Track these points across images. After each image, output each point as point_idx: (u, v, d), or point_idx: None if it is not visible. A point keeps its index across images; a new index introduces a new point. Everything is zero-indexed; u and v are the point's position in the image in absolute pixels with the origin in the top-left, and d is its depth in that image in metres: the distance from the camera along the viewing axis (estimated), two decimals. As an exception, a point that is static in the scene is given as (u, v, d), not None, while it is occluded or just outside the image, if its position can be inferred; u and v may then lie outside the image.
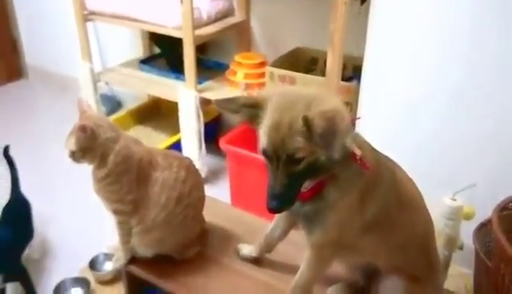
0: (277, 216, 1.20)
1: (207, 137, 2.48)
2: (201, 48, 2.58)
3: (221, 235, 1.38)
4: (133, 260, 1.26)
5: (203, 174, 2.50)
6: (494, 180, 1.61)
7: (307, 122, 0.83)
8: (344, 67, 2.13)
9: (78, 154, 1.13)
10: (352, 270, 1.17)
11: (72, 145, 1.12)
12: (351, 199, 0.96)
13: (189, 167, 1.25)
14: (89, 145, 1.12)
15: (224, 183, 2.44)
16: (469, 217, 1.57)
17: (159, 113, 3.07)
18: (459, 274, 1.76)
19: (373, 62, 1.75)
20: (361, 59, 1.78)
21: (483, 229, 1.59)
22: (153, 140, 2.74)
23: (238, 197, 2.30)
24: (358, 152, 0.91)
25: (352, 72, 2.23)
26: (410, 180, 1.04)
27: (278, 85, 2.12)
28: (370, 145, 1.01)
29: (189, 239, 1.27)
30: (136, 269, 1.26)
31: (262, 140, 0.89)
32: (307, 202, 0.97)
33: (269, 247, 1.25)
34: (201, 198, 1.28)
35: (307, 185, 0.94)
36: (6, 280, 1.58)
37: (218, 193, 2.39)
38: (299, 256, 1.08)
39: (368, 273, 1.10)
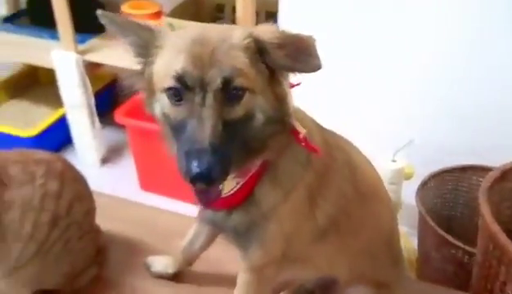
0: (197, 220, 0.90)
1: (101, 108, 2.05)
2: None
3: (124, 247, 1.07)
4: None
5: (100, 154, 2.09)
6: (430, 137, 1.53)
7: (252, 35, 0.59)
8: (256, 14, 1.83)
9: None
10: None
11: None
12: (295, 201, 0.69)
13: (63, 173, 0.90)
14: None
15: (129, 160, 2.06)
16: (409, 177, 1.48)
17: (38, 83, 2.55)
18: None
19: (289, 5, 1.56)
20: (275, 4, 1.59)
21: (424, 187, 1.47)
22: (32, 116, 2.26)
23: (147, 178, 1.95)
24: (302, 130, 0.65)
25: (266, 19, 1.94)
26: (369, 162, 0.80)
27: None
28: (315, 122, 0.74)
29: (79, 265, 0.95)
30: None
31: (174, 63, 0.59)
32: (235, 209, 0.69)
33: (189, 260, 0.97)
34: (89, 211, 0.95)
35: (234, 184, 0.66)
36: None
37: (123, 176, 2.03)
38: (231, 258, 0.81)
39: (322, 283, 0.87)
